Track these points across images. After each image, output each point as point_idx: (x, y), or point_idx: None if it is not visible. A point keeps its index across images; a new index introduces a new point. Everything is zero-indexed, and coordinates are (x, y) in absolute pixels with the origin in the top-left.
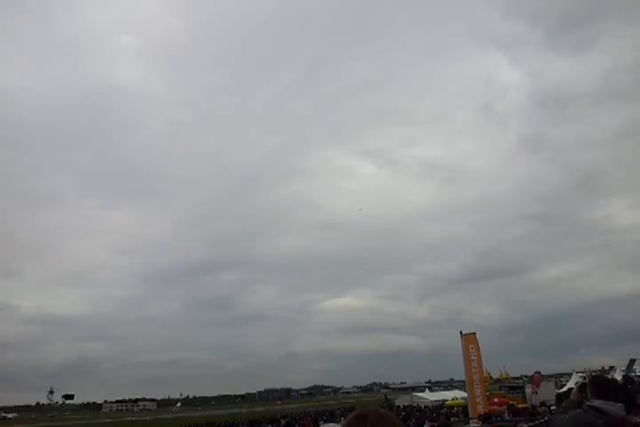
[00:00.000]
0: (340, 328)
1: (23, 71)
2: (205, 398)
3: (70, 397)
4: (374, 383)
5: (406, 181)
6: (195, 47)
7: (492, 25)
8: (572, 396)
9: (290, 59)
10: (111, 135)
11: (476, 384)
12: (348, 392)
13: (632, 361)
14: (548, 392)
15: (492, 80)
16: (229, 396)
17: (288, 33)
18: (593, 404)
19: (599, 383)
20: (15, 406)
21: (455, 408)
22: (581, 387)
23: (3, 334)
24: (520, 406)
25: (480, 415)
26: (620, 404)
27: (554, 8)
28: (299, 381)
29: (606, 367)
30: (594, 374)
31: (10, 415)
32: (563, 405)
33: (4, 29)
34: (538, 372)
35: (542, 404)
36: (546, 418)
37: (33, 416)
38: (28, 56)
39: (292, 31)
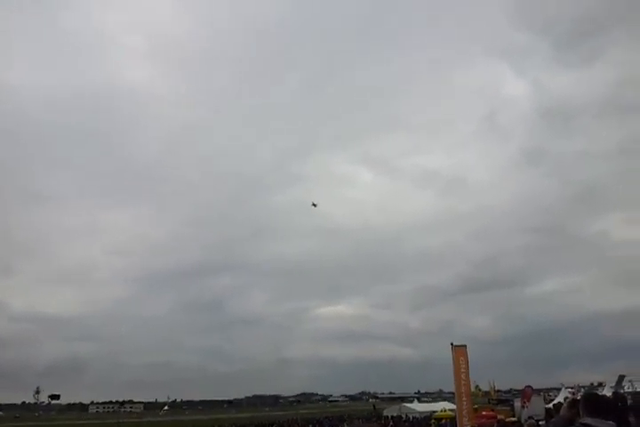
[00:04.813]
0: (332, 336)
1: (29, 69)
2: (193, 402)
3: (56, 397)
4: (363, 392)
5: (405, 189)
6: (201, 50)
7: (500, 35)
8: (562, 412)
9: (293, 65)
10: (114, 135)
11: (465, 397)
12: (337, 401)
13: (621, 377)
14: (537, 407)
15: (497, 91)
16: (217, 401)
17: (294, 39)
18: (585, 421)
19: (591, 401)
20: (0, 405)
21: (443, 420)
22: (572, 403)
23: None
24: (508, 420)
25: None
26: (612, 422)
27: (563, 19)
28: (288, 387)
29: (595, 383)
30: (584, 389)
31: None
32: (553, 420)
33: (12, 27)
34: (529, 386)
35: (530, 418)
36: None
37: (18, 415)
38: (35, 54)
39: (299, 37)
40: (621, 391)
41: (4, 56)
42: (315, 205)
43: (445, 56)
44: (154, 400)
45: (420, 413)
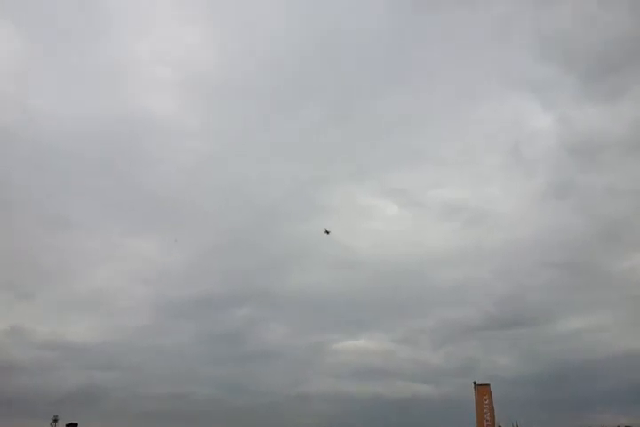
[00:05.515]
0: (353, 371)
1: (55, 96)
2: None
3: (74, 425)
4: None
5: (429, 222)
6: (225, 79)
7: (525, 68)
8: None
9: (318, 94)
10: (138, 165)
11: None
12: None
13: None
14: None
15: (522, 124)
16: None
17: (319, 69)
18: None
19: None
20: None
21: None
22: None
23: (13, 358)
24: None
25: None
26: None
27: (589, 53)
28: (306, 423)
29: None
30: None
31: None
32: None
33: (41, 55)
34: None
35: None
36: None
37: None
38: (62, 82)
39: (323, 67)
40: None
41: (32, 84)
42: (327, 231)
43: (470, 88)
44: None
45: None
